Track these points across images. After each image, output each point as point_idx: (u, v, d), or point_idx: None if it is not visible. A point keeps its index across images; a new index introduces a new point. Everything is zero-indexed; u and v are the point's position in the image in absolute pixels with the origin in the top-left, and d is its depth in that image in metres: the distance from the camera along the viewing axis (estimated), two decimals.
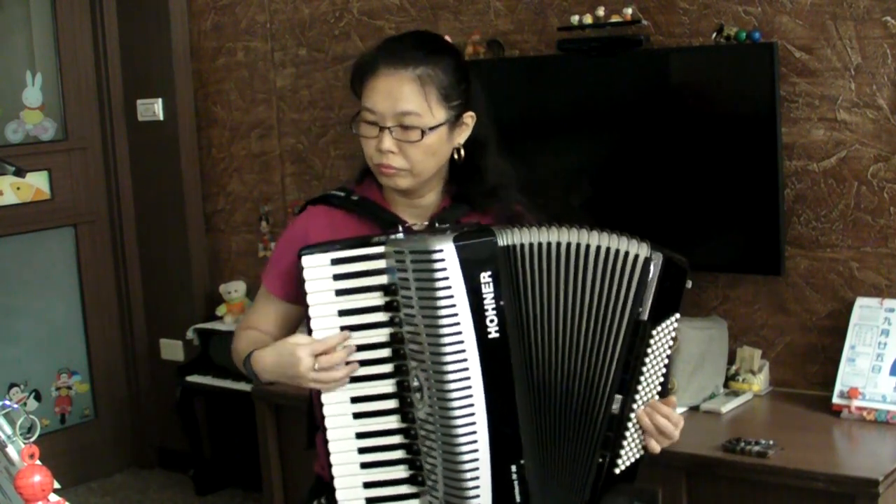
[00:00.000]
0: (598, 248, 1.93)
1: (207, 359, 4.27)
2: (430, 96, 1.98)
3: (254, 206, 4.41)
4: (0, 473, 1.43)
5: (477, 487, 1.89)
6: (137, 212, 4.64)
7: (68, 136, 4.53)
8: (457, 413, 1.86)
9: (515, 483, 1.91)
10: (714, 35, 3.08)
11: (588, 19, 3.26)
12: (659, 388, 1.98)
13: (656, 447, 1.98)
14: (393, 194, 2.12)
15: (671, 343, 1.97)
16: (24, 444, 1.33)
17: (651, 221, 3.18)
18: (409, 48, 2.01)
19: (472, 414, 1.87)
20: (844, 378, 2.91)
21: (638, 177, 3.24)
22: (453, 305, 1.85)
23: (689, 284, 1.99)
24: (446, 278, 1.84)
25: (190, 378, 4.26)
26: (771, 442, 2.68)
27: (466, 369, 1.86)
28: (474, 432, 1.87)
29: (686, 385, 2.99)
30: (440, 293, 1.84)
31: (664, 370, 1.97)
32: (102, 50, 4.52)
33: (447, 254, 1.84)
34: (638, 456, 1.99)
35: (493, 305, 1.87)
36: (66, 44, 4.47)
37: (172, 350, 4.61)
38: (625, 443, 1.96)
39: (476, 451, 1.88)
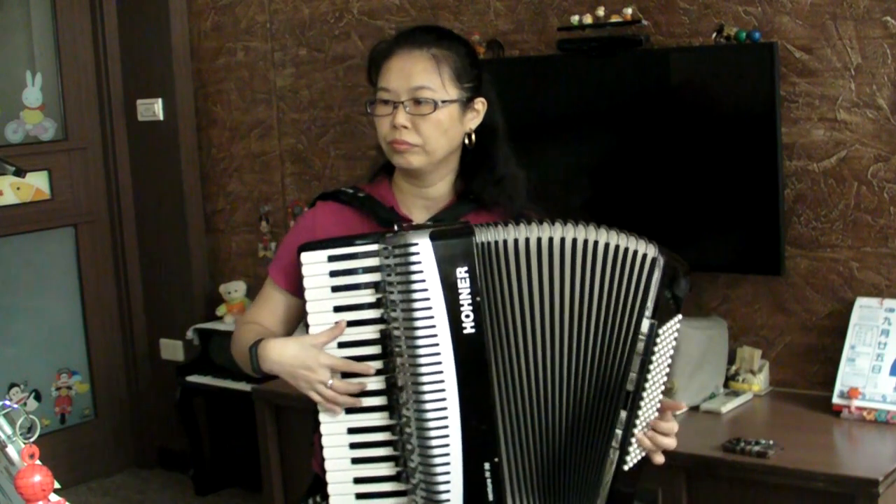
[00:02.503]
0: (607, 245, 1.93)
1: (207, 359, 4.27)
2: (444, 73, 2.06)
3: (254, 206, 4.41)
4: (0, 473, 1.43)
5: (448, 483, 1.89)
6: (137, 212, 4.64)
7: (68, 136, 4.53)
8: (429, 406, 1.88)
9: (489, 481, 1.91)
10: (714, 35, 3.08)
11: (588, 19, 3.26)
12: (663, 388, 1.99)
13: (660, 459, 2.02)
14: (404, 185, 2.15)
15: (674, 344, 1.99)
16: (24, 444, 1.33)
17: (651, 221, 3.18)
18: (423, 33, 2.11)
19: (445, 408, 1.88)
20: (844, 378, 2.91)
21: (638, 177, 3.24)
22: (427, 299, 1.88)
23: (689, 288, 1.99)
24: (421, 272, 1.88)
25: (190, 378, 4.26)
26: (771, 442, 2.68)
27: (440, 363, 1.88)
28: (446, 426, 1.89)
29: (686, 385, 2.99)
30: (415, 286, 1.88)
31: (668, 370, 1.99)
32: (102, 50, 4.52)
33: (422, 247, 1.88)
34: (643, 454, 2.00)
35: (469, 301, 1.89)
36: (66, 44, 4.47)
37: (172, 350, 4.61)
38: (633, 440, 1.97)
39: (447, 444, 1.89)
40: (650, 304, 1.94)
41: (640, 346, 1.94)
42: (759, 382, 3.12)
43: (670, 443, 2.01)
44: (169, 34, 4.40)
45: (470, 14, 3.66)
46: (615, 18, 3.24)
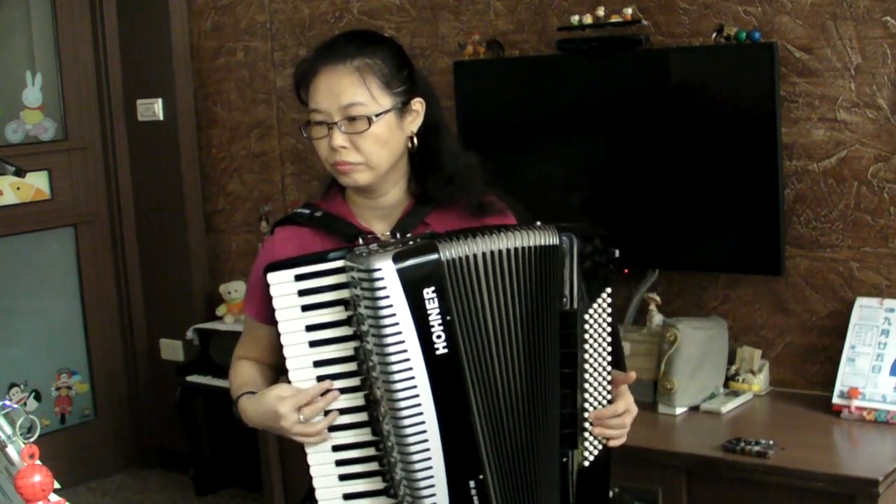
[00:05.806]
0: (538, 248, 1.91)
1: (207, 359, 4.27)
2: (371, 84, 1.99)
3: (254, 206, 4.41)
4: (0, 473, 1.43)
5: None
6: (137, 212, 4.64)
7: (68, 136, 4.53)
8: (408, 431, 1.85)
9: (475, 499, 1.90)
10: (714, 35, 3.08)
11: (588, 19, 3.26)
12: (609, 368, 1.97)
13: (616, 442, 2.00)
14: (357, 199, 2.12)
15: (609, 320, 1.96)
16: (24, 444, 1.34)
17: (652, 221, 3.18)
18: (343, 44, 2.03)
19: (424, 432, 1.86)
20: (844, 378, 2.91)
21: (638, 177, 3.24)
22: (396, 324, 1.83)
23: (617, 253, 1.95)
24: (387, 297, 1.82)
25: (190, 378, 4.25)
26: (771, 442, 2.68)
27: (415, 387, 1.85)
28: (427, 450, 1.86)
29: (686, 385, 2.99)
30: (382, 311, 1.83)
31: (609, 349, 1.96)
32: (102, 50, 4.52)
33: (386, 272, 1.82)
34: (602, 446, 1.98)
35: (440, 321, 1.85)
36: (66, 44, 4.47)
37: (172, 350, 4.61)
38: (586, 433, 1.96)
39: (430, 467, 1.87)
40: (575, 291, 1.92)
41: (568, 340, 1.92)
42: (759, 382, 3.12)
43: (620, 422, 1.98)
44: (169, 34, 4.40)
45: (470, 14, 3.66)
46: (615, 18, 3.24)
